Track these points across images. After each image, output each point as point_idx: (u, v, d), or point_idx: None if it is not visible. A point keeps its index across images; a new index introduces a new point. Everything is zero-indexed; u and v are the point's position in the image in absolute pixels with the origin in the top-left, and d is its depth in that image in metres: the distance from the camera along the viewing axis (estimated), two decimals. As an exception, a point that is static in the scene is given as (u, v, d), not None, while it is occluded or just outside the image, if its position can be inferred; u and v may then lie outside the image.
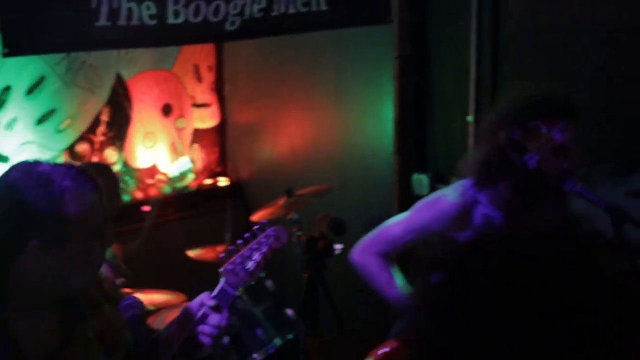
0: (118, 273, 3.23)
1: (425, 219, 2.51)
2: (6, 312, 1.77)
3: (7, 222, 1.70)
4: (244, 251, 2.05)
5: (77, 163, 3.70)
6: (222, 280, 2.01)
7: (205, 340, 1.91)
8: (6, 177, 1.74)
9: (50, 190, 1.68)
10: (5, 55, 2.64)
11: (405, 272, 2.52)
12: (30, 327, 1.81)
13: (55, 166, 1.81)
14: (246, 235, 2.08)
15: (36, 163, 1.75)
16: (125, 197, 4.07)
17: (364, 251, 2.63)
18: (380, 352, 2.63)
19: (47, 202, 1.68)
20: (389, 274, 2.56)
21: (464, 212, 2.45)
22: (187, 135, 4.56)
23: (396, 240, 2.56)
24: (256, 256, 2.05)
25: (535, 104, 2.40)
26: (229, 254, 2.05)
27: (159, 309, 3.58)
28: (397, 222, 2.61)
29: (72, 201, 1.71)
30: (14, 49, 2.67)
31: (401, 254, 2.60)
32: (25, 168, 1.76)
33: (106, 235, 1.85)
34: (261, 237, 2.08)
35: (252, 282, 2.50)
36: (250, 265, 2.02)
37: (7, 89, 3.49)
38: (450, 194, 2.50)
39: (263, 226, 2.09)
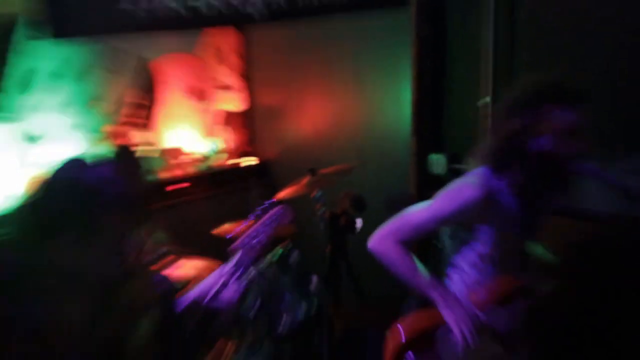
0: (154, 246, 3.67)
1: (450, 209, 2.49)
2: None
3: (47, 212, 1.79)
4: (256, 226, 2.21)
5: (106, 146, 4.16)
6: (236, 254, 2.16)
7: (223, 309, 2.06)
8: (55, 173, 1.83)
9: (96, 183, 1.82)
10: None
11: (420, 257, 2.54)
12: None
13: (95, 159, 1.90)
14: (257, 212, 2.29)
15: (79, 158, 1.85)
16: (154, 177, 4.16)
17: (385, 239, 2.59)
18: (404, 322, 2.56)
19: (93, 195, 1.81)
20: (412, 261, 2.57)
21: (488, 201, 2.45)
22: (211, 117, 4.73)
23: (418, 229, 2.55)
24: (266, 231, 2.20)
25: (547, 89, 2.42)
26: (244, 229, 2.27)
27: (191, 279, 3.99)
28: (418, 212, 2.57)
29: (112, 186, 1.82)
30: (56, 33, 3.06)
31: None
32: (74, 163, 1.85)
33: (141, 214, 1.94)
34: (270, 215, 2.25)
35: (267, 254, 2.74)
36: (260, 238, 2.18)
37: (32, 71, 3.62)
38: (473, 183, 2.49)
39: (271, 205, 2.27)
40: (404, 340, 2.41)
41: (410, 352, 2.46)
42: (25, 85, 3.60)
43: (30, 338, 1.74)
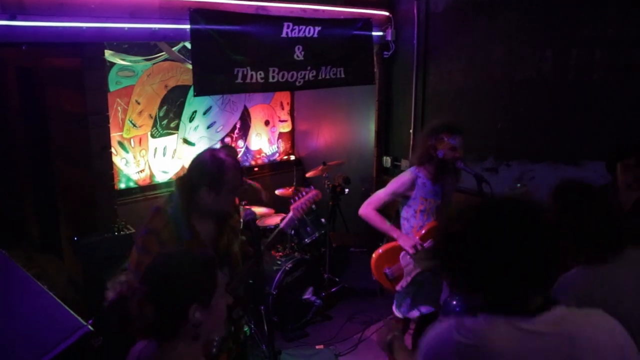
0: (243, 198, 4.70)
1: (397, 186, 3.56)
2: (192, 217, 2.50)
3: (193, 173, 2.47)
4: (302, 197, 2.94)
5: (222, 145, 5.77)
6: (290, 212, 2.91)
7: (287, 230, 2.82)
8: (200, 154, 2.51)
9: (218, 164, 2.47)
10: (195, 95, 4.18)
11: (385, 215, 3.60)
12: (202, 225, 2.55)
13: (223, 150, 2.55)
14: (303, 188, 3.01)
15: (213, 149, 2.51)
16: (246, 164, 6.21)
17: (366, 208, 3.63)
18: (386, 246, 3.63)
19: (216, 167, 2.45)
20: (382, 218, 3.59)
21: (413, 181, 3.51)
22: (276, 135, 6.74)
23: (382, 200, 3.60)
24: (307, 199, 2.93)
25: (442, 126, 3.45)
26: (294, 197, 2.97)
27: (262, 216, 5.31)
28: (381, 191, 3.63)
29: (228, 167, 2.47)
30: (199, 93, 4.16)
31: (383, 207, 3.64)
32: (210, 151, 2.51)
33: (242, 187, 2.63)
34: (310, 191, 2.99)
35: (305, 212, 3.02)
36: (304, 205, 2.91)
37: (195, 111, 5.77)
38: (406, 173, 3.57)
39: (311, 187, 3.02)
40: (380, 251, 3.59)
41: (386, 267, 3.52)
42: (191, 118, 5.75)
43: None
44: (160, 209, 2.52)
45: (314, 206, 5.12)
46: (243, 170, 2.68)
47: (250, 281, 2.98)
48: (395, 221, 3.72)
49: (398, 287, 3.64)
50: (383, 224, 3.57)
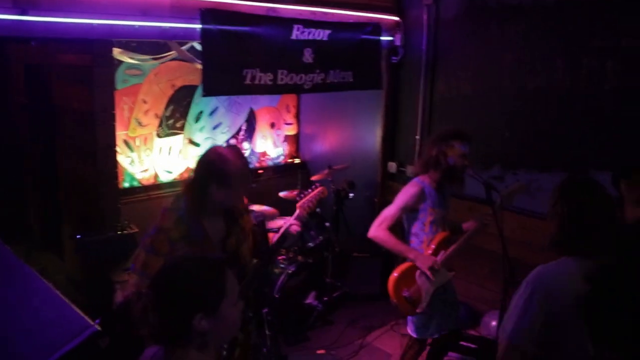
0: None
1: (404, 201, 3.44)
2: (201, 217, 2.55)
3: (201, 173, 2.53)
4: (308, 194, 2.99)
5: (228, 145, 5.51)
6: (297, 210, 2.93)
7: (292, 234, 2.76)
8: (204, 153, 2.58)
9: (224, 159, 2.53)
10: (204, 95, 4.10)
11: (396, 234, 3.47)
12: (211, 225, 2.59)
13: (227, 147, 2.65)
14: (309, 188, 3.05)
15: (217, 147, 2.59)
16: (251, 166, 6.07)
17: (377, 229, 3.45)
18: (401, 267, 3.49)
19: (221, 162, 2.51)
20: (394, 238, 3.42)
21: (422, 192, 3.42)
22: (281, 137, 6.67)
23: (394, 217, 3.44)
24: (313, 196, 2.99)
25: (453, 133, 3.41)
26: (300, 196, 3.01)
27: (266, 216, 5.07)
28: (390, 208, 3.48)
29: (232, 161, 2.53)
30: (207, 93, 4.10)
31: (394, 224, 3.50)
32: (214, 148, 2.58)
33: (249, 183, 2.79)
34: (316, 188, 3.05)
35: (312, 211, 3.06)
36: (310, 201, 2.95)
37: (201, 112, 5.68)
38: (412, 186, 3.46)
39: (315, 184, 3.07)
40: (396, 275, 3.43)
41: (405, 290, 3.39)
42: (197, 118, 5.73)
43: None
44: (170, 210, 2.54)
45: (318, 209, 5.20)
46: (247, 162, 2.74)
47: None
48: (401, 236, 3.62)
49: (419, 310, 3.51)
50: (398, 246, 3.44)
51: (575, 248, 2.09)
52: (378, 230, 3.42)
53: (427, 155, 3.44)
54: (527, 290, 2.08)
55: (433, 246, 3.46)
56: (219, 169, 2.48)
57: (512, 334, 2.10)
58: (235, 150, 2.70)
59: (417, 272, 3.44)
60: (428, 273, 3.34)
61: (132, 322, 1.48)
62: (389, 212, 3.45)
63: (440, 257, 3.45)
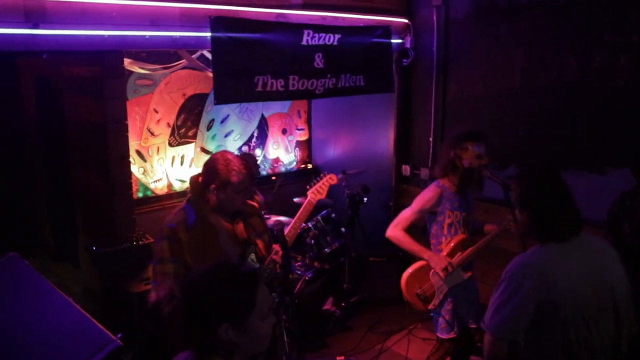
0: (264, 207, 3.93)
1: (422, 203, 3.49)
2: (204, 209, 2.78)
3: (205, 170, 2.74)
4: (317, 182, 3.46)
5: (239, 154, 5.67)
6: (309, 196, 3.35)
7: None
8: (215, 154, 2.80)
9: (228, 164, 2.70)
10: (216, 104, 4.14)
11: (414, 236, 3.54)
12: (217, 219, 2.81)
13: (238, 155, 2.90)
14: (318, 177, 3.52)
15: (225, 152, 2.80)
16: (264, 172, 6.24)
17: (393, 229, 3.54)
18: (415, 265, 3.58)
19: (224, 167, 2.70)
20: (411, 239, 3.51)
21: (439, 196, 3.45)
22: (293, 143, 6.72)
23: (410, 219, 3.52)
24: (322, 183, 3.41)
25: (465, 134, 3.42)
26: (310, 185, 3.51)
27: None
28: (407, 210, 3.54)
29: (234, 170, 2.72)
30: (219, 101, 4.14)
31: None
32: (220, 154, 2.78)
33: (249, 191, 2.84)
34: (324, 177, 3.55)
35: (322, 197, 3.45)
36: (320, 188, 3.35)
37: (212, 120, 5.74)
38: (430, 189, 3.50)
39: (324, 172, 3.55)
40: (410, 271, 3.55)
41: (418, 287, 3.49)
42: (209, 126, 5.74)
43: None
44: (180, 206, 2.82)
45: (333, 214, 5.37)
46: (252, 175, 2.92)
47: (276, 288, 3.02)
48: (421, 237, 3.67)
49: (430, 306, 3.58)
50: (413, 246, 3.50)
51: (547, 234, 2.20)
52: (394, 230, 3.51)
53: (445, 159, 3.47)
54: (512, 282, 2.14)
55: (450, 246, 3.49)
56: (219, 173, 2.68)
57: (497, 327, 2.17)
58: (245, 159, 2.86)
59: (431, 271, 3.50)
60: (441, 274, 3.41)
61: (163, 323, 1.51)
62: (406, 214, 3.53)
63: (456, 258, 3.48)
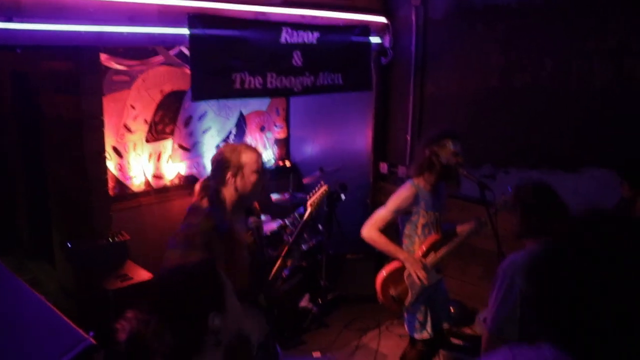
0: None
1: (398, 203, 3.47)
2: (225, 212, 2.66)
3: (216, 166, 2.69)
4: (315, 192, 3.30)
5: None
6: (309, 207, 3.25)
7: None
8: (214, 154, 2.76)
9: (234, 148, 2.73)
10: (193, 100, 4.23)
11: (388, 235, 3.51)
12: (234, 216, 2.73)
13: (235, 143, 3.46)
14: (315, 188, 3.34)
15: (226, 143, 3.64)
16: None
17: (369, 230, 3.50)
18: (390, 267, 3.55)
19: (231, 151, 2.69)
20: (385, 239, 3.48)
21: (415, 195, 3.44)
22: (272, 141, 6.66)
23: (385, 219, 3.48)
24: (320, 194, 3.28)
25: (444, 132, 3.44)
26: (309, 196, 3.28)
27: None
28: (382, 209, 3.51)
29: (242, 149, 2.71)
30: (197, 98, 4.20)
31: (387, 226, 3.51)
32: (222, 146, 2.88)
33: (266, 174, 2.85)
34: (320, 188, 3.34)
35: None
36: (318, 200, 3.24)
37: (190, 117, 5.64)
38: (406, 188, 3.48)
39: (321, 182, 3.38)
40: (385, 274, 3.53)
41: (392, 289, 3.47)
42: (187, 123, 5.68)
43: None
44: (196, 207, 2.61)
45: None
46: (259, 151, 2.79)
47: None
48: (396, 237, 3.65)
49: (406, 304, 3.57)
50: (389, 246, 3.48)
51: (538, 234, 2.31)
52: (370, 231, 3.46)
53: (420, 157, 3.45)
54: (505, 280, 2.18)
55: (424, 248, 3.50)
56: (229, 159, 2.61)
57: (492, 324, 2.20)
58: (246, 143, 2.75)
59: (406, 272, 3.48)
60: (415, 275, 3.40)
61: (148, 354, 1.43)
62: (381, 213, 3.48)
63: (430, 259, 3.49)
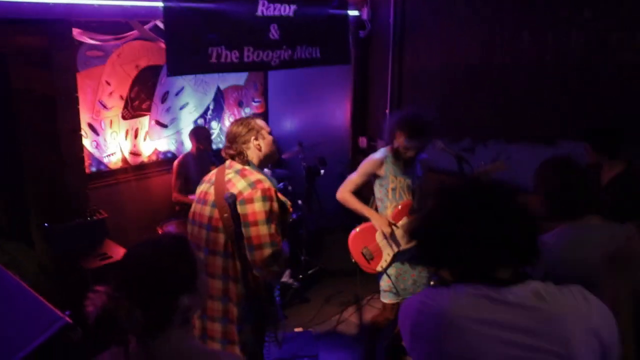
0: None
1: (365, 167, 3.66)
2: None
3: (236, 137, 2.79)
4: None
5: (193, 127, 5.57)
6: None
7: None
8: (227, 132, 2.86)
9: (241, 119, 2.87)
10: (169, 75, 4.11)
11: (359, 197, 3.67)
12: None
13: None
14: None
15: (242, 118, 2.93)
16: (220, 145, 6.04)
17: (342, 192, 3.71)
18: (363, 225, 3.73)
19: (245, 122, 2.84)
20: (356, 199, 3.66)
21: (382, 160, 3.59)
22: (246, 114, 6.42)
23: (355, 182, 3.68)
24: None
25: (402, 124, 3.49)
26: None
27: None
28: (354, 173, 3.71)
29: (250, 118, 2.89)
30: (172, 73, 4.11)
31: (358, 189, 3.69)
32: (234, 120, 2.91)
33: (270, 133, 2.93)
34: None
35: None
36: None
37: (167, 92, 5.57)
38: (377, 153, 3.66)
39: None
40: (357, 230, 3.73)
41: (363, 247, 3.65)
42: (164, 99, 5.62)
43: None
44: (250, 170, 2.77)
45: (290, 187, 5.38)
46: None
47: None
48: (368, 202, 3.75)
49: (378, 268, 3.65)
50: (358, 205, 3.62)
51: (563, 217, 2.21)
52: (342, 192, 3.67)
53: (387, 130, 3.59)
54: None
55: (395, 211, 3.59)
56: (249, 126, 2.80)
57: None
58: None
59: (376, 231, 3.61)
60: (382, 231, 3.52)
61: (118, 329, 1.41)
62: (352, 177, 3.68)
63: (400, 222, 3.59)
